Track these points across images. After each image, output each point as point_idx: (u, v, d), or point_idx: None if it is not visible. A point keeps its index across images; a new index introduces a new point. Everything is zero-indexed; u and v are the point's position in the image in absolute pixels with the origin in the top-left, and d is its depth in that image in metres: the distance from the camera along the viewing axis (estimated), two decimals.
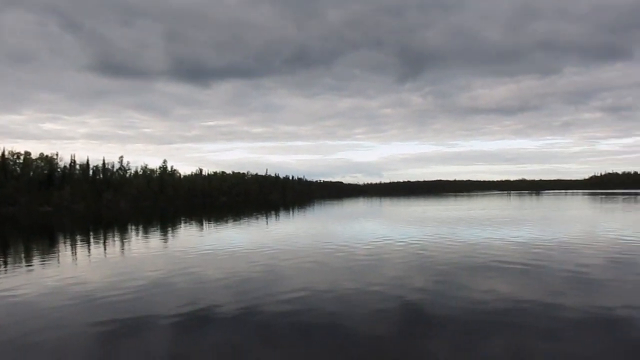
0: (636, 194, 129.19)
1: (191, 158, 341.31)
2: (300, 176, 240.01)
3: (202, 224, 38.85)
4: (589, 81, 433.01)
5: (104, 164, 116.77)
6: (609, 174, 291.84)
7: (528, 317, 8.82)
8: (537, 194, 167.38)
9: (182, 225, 38.92)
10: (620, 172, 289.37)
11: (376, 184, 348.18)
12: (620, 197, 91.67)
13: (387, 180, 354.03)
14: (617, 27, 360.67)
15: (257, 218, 45.77)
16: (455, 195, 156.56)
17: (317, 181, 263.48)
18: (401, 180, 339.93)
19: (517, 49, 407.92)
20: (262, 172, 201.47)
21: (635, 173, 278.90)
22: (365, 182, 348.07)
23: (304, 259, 16.83)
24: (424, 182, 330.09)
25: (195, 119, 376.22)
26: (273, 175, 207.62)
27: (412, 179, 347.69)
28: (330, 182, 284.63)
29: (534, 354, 7.03)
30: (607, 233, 23.93)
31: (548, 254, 16.86)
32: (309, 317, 9.28)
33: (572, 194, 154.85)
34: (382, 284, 12.16)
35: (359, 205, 77.92)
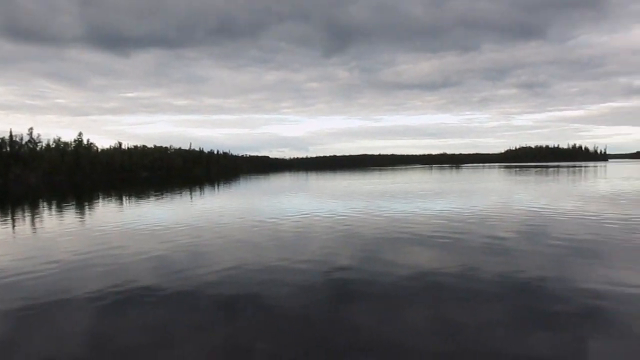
0: (547, 166, 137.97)
1: (110, 131, 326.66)
2: (226, 150, 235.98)
3: (121, 200, 37.25)
4: (505, 58, 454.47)
5: (11, 136, 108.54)
6: (523, 147, 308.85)
7: (448, 288, 9.06)
8: (457, 167, 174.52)
9: (100, 201, 37.13)
10: (533, 146, 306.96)
11: (303, 158, 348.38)
12: (533, 170, 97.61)
13: (314, 155, 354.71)
14: (531, 6, 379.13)
15: (180, 194, 44.54)
16: (380, 170, 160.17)
17: (243, 155, 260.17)
18: (328, 155, 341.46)
19: (439, 25, 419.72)
20: (186, 146, 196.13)
21: (547, 147, 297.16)
22: (292, 157, 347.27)
23: (229, 235, 16.49)
24: (350, 156, 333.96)
25: (114, 89, 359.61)
26: (197, 149, 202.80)
27: (339, 154, 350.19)
28: (257, 157, 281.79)
29: (454, 323, 7.20)
30: (521, 204, 25.23)
31: (467, 225, 17.49)
32: (235, 293, 9.04)
33: (490, 167, 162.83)
34: (308, 259, 12.11)
35: (286, 180, 77.87)
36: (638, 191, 32.86)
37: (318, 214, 22.30)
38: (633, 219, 18.03)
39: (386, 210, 23.41)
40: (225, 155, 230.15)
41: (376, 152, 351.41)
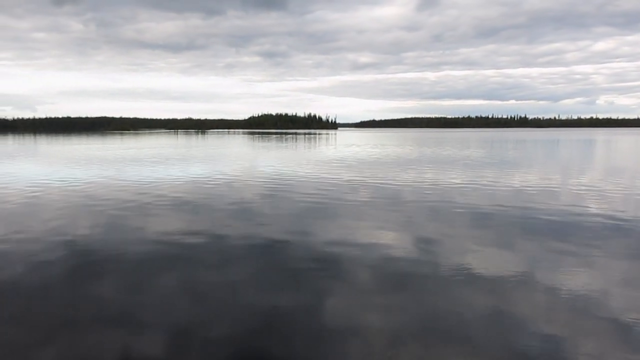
0: (286, 133, 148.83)
1: None
2: None
3: None
4: (249, 26, 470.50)
5: None
6: (265, 115, 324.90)
7: (199, 253, 9.12)
8: (203, 132, 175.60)
9: None
10: (274, 113, 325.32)
11: (29, 119, 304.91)
12: (274, 137, 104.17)
13: (44, 116, 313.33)
14: None
15: None
16: (122, 133, 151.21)
17: None
18: (60, 116, 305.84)
19: None
20: None
21: (286, 114, 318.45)
22: (16, 117, 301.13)
23: None
24: (87, 118, 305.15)
25: None
26: None
27: (74, 115, 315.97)
28: None
29: (206, 286, 7.34)
30: (265, 169, 26.81)
31: (215, 190, 17.87)
32: None
33: (234, 133, 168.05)
34: (40, 232, 10.85)
35: (7, 144, 67.51)
36: (357, 158, 38.17)
37: (54, 181, 20.06)
38: (355, 180, 20.78)
39: (135, 177, 22.31)
40: None
41: (117, 115, 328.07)
